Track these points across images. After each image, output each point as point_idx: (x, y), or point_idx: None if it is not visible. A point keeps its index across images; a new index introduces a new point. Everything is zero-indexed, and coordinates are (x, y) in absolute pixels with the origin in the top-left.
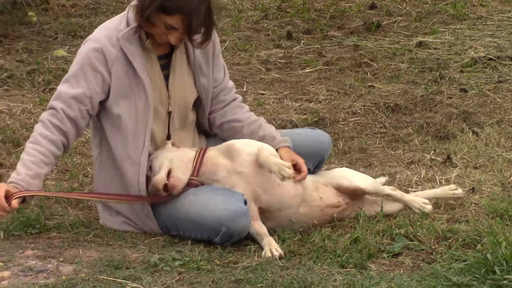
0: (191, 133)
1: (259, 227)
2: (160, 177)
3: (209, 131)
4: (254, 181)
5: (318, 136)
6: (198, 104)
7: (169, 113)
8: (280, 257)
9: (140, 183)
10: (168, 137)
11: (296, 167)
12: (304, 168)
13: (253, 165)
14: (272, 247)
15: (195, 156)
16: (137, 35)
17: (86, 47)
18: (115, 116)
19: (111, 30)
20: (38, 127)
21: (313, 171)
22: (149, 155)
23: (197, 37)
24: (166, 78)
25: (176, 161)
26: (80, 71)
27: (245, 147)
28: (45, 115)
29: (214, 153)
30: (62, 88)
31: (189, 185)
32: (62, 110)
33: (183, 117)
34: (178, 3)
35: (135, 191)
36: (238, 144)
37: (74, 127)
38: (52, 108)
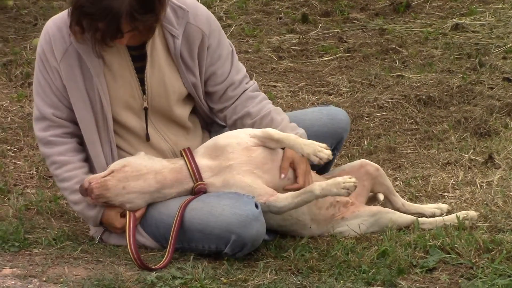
0: (183, 128)
1: (286, 195)
2: (92, 177)
3: (210, 126)
4: (249, 167)
5: (335, 113)
6: (191, 98)
7: (145, 109)
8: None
9: None
10: (147, 137)
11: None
12: (300, 179)
13: (242, 153)
14: (339, 185)
15: (185, 160)
16: None
17: (39, 39)
18: (78, 119)
19: (64, 20)
20: (49, 150)
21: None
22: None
23: (141, 24)
24: (142, 70)
25: (131, 166)
26: (38, 67)
27: (228, 139)
28: (42, 133)
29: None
30: (36, 89)
31: (198, 192)
32: (53, 115)
33: (166, 113)
34: (98, 13)
35: None
36: (220, 140)
37: (76, 123)
38: (43, 117)
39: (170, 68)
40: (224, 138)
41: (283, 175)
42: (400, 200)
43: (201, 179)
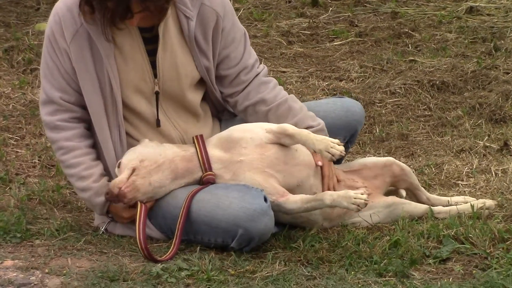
0: (194, 115)
1: (296, 199)
2: (119, 181)
3: (221, 114)
4: (260, 165)
5: (349, 105)
6: (203, 84)
7: (156, 93)
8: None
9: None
10: (158, 122)
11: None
12: (326, 169)
13: (255, 149)
14: (350, 199)
15: (196, 148)
16: None
17: (49, 21)
18: (87, 103)
19: (74, 1)
20: (55, 134)
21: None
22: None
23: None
24: (153, 53)
25: (149, 159)
26: (46, 49)
27: (243, 132)
28: (49, 117)
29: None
30: (44, 72)
31: (206, 182)
32: (61, 99)
33: (177, 98)
34: None
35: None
36: (235, 133)
37: (84, 108)
38: (50, 101)
39: (183, 51)
40: (239, 131)
41: (320, 162)
42: (425, 195)
43: (210, 169)
